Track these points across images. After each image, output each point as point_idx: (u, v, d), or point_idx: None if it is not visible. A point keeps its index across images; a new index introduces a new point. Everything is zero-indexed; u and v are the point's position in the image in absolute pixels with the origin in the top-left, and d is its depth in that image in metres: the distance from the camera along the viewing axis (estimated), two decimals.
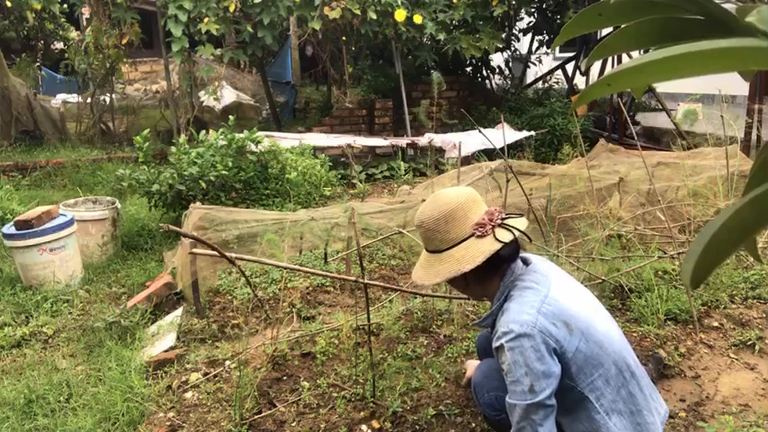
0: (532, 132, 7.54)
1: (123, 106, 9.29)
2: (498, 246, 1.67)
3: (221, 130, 5.40)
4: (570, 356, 1.58)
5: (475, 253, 1.68)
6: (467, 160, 6.71)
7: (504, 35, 8.58)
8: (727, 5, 0.47)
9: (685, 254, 0.47)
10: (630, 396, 1.67)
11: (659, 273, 3.38)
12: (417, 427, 2.27)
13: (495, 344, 1.61)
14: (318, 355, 2.81)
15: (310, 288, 3.64)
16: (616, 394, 1.64)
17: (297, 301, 3.41)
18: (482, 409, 1.98)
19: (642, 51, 0.54)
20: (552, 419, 1.57)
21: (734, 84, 6.49)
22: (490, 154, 6.76)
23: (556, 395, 1.58)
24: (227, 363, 2.78)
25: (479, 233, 1.70)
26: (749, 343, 2.76)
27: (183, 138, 5.44)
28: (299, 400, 2.49)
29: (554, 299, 1.62)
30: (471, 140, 6.88)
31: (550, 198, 3.88)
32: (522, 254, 1.82)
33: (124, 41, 7.44)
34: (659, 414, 1.73)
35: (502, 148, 3.78)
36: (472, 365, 2.30)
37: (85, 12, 8.92)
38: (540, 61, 10.59)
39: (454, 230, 1.72)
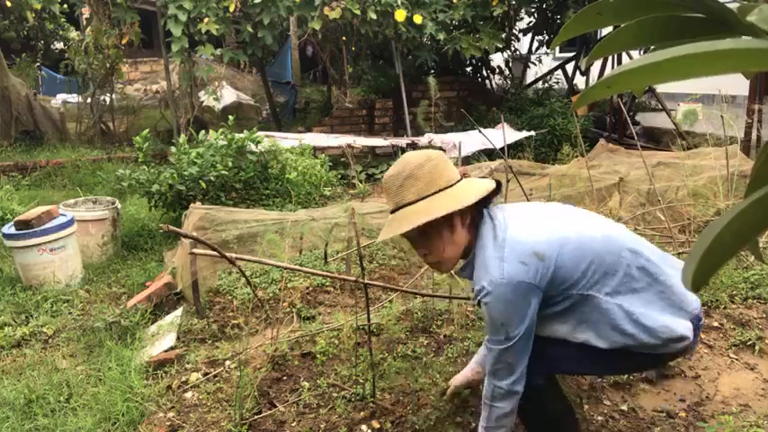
0: (532, 132, 7.54)
1: (123, 106, 9.29)
2: (494, 185, 1.69)
3: (221, 130, 5.40)
4: (554, 273, 1.61)
5: (474, 189, 1.67)
6: (467, 160, 6.71)
7: (504, 35, 8.57)
8: (729, 4, 0.47)
9: (687, 256, 0.46)
10: (640, 270, 1.66)
11: None
12: (417, 427, 2.27)
13: (474, 301, 1.68)
14: (318, 355, 2.81)
15: (310, 288, 3.63)
16: (622, 278, 1.64)
17: (297, 301, 3.41)
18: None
19: (643, 50, 0.54)
20: (525, 357, 1.67)
21: (734, 84, 6.50)
22: (490, 154, 6.76)
23: (561, 313, 1.67)
24: (227, 363, 2.78)
25: (468, 178, 1.72)
26: (749, 343, 2.76)
27: (182, 138, 5.44)
28: (299, 400, 2.49)
29: (513, 239, 1.63)
30: (471, 140, 6.88)
31: (550, 198, 3.88)
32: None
33: (124, 41, 7.45)
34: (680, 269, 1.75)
35: (502, 149, 3.78)
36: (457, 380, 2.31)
37: (85, 12, 8.92)
38: (540, 61, 10.58)
39: (445, 173, 1.69)
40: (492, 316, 1.62)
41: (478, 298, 1.64)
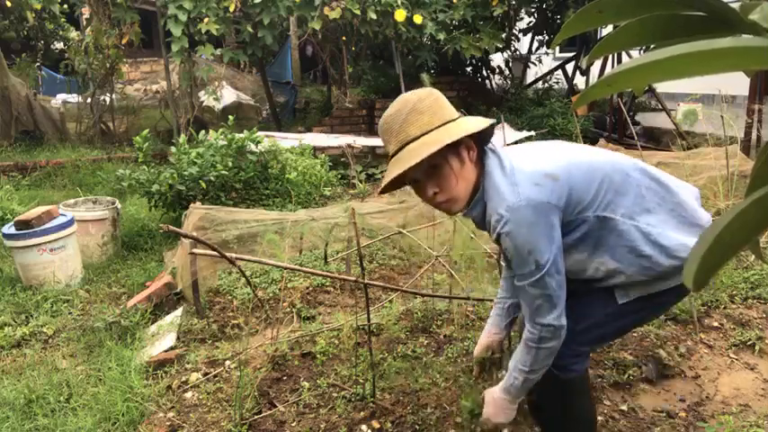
0: (532, 132, 7.54)
1: (123, 106, 9.29)
2: (492, 121, 1.65)
3: (221, 130, 5.40)
4: (569, 195, 1.56)
5: (478, 121, 1.61)
6: None
7: (504, 35, 8.57)
8: (730, 3, 0.47)
9: (687, 256, 0.46)
10: (650, 190, 1.65)
11: None
12: (417, 427, 2.27)
13: (494, 236, 1.60)
14: (318, 355, 2.81)
15: (310, 288, 3.63)
16: (634, 198, 1.61)
17: (297, 301, 3.41)
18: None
19: (643, 49, 0.54)
20: (563, 287, 1.59)
21: (734, 84, 6.50)
22: None
23: (578, 240, 1.62)
24: (227, 363, 2.78)
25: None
26: (749, 343, 2.76)
27: (182, 138, 5.44)
28: (299, 400, 2.49)
29: (522, 166, 1.59)
30: None
31: None
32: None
33: (124, 41, 7.45)
34: (687, 187, 1.74)
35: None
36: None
37: (85, 12, 8.92)
38: (540, 61, 10.59)
39: (446, 107, 1.62)
40: (517, 245, 1.54)
41: (498, 230, 1.55)
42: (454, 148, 1.57)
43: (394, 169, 1.58)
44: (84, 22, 9.79)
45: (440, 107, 1.61)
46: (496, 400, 1.76)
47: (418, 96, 1.61)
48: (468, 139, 1.60)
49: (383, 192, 1.71)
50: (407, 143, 1.58)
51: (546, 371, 1.71)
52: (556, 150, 1.70)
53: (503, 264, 2.05)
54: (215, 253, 2.02)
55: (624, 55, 5.80)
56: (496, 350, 2.01)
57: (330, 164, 6.41)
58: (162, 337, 3.06)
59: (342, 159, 6.89)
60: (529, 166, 1.59)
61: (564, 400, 1.78)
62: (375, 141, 7.47)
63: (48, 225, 3.79)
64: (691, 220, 1.66)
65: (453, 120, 1.61)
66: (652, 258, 1.59)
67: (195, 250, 2.32)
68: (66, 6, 9.71)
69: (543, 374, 1.73)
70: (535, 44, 10.30)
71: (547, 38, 9.99)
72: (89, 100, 8.76)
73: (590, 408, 1.87)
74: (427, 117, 1.58)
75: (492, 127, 1.67)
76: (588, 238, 1.62)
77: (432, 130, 1.57)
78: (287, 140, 6.56)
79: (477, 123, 1.59)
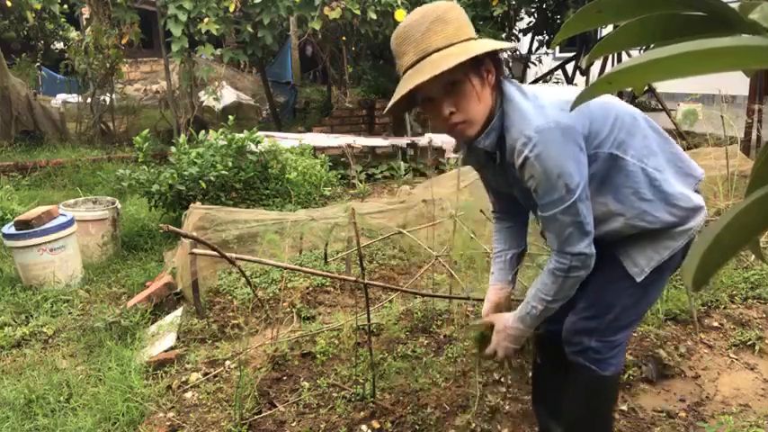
0: None
1: (123, 106, 9.29)
2: (514, 45, 1.62)
3: (221, 130, 5.40)
4: (590, 125, 1.54)
5: (499, 42, 1.53)
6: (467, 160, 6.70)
7: (504, 35, 8.57)
8: (730, 3, 0.47)
9: (687, 256, 0.46)
10: (654, 132, 1.66)
11: None
12: (417, 427, 2.27)
13: (519, 161, 1.49)
14: (318, 355, 2.81)
15: (310, 288, 3.63)
16: (641, 140, 1.60)
17: (297, 301, 3.41)
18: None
19: (643, 49, 0.54)
20: (591, 214, 1.54)
21: (734, 84, 6.50)
22: None
23: (589, 177, 1.57)
24: (227, 363, 2.78)
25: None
26: (749, 343, 2.76)
27: (183, 138, 5.44)
28: (299, 400, 2.49)
29: (542, 94, 1.56)
30: None
31: None
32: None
33: (124, 41, 7.45)
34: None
35: None
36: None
37: (85, 12, 8.93)
38: (540, 61, 10.58)
39: (470, 24, 1.53)
40: (546, 169, 1.46)
41: (525, 154, 1.46)
42: (476, 67, 1.48)
43: (412, 80, 1.44)
44: (84, 22, 9.80)
45: (466, 21, 1.51)
46: (508, 328, 1.71)
47: (444, 7, 1.49)
48: (489, 60, 1.52)
49: (389, 112, 1.60)
50: (429, 54, 1.46)
51: (582, 371, 1.71)
52: (569, 88, 1.69)
53: (494, 216, 1.97)
54: (215, 253, 2.02)
55: (624, 55, 5.80)
56: (504, 305, 1.88)
57: (330, 164, 6.41)
58: (162, 337, 3.06)
59: (342, 159, 6.89)
60: (549, 94, 1.55)
61: (597, 399, 1.78)
62: (375, 141, 7.47)
63: (48, 225, 3.79)
64: (686, 170, 1.67)
65: (475, 38, 1.52)
66: (652, 203, 1.59)
67: (195, 250, 2.32)
68: (66, 6, 9.71)
69: (580, 373, 1.72)
70: (535, 44, 10.30)
71: (547, 38, 9.99)
72: (89, 100, 8.76)
73: (612, 412, 1.88)
74: (452, 29, 1.47)
75: (507, 56, 1.65)
76: (596, 175, 1.59)
77: (456, 44, 1.46)
78: (287, 140, 6.56)
79: (500, 43, 1.52)
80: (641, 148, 1.60)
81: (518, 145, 1.48)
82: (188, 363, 2.82)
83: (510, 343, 1.73)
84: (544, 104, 1.50)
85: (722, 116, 4.04)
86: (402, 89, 1.47)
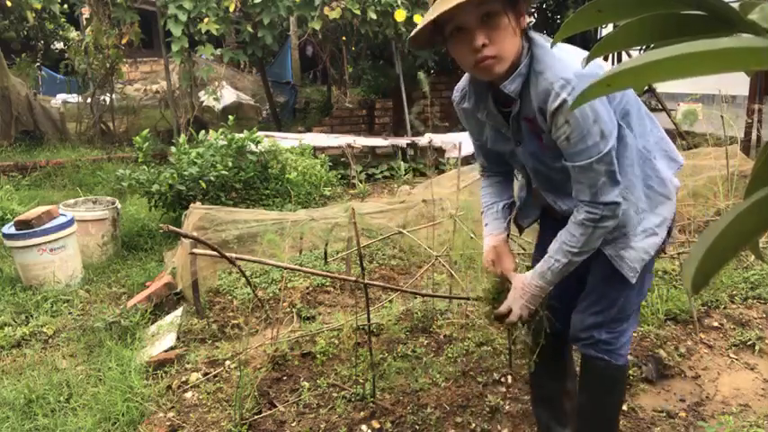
0: None
1: (123, 106, 9.29)
2: None
3: (221, 130, 5.40)
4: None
5: None
6: (467, 160, 6.70)
7: None
8: (730, 2, 0.47)
9: (686, 258, 0.46)
10: (646, 117, 1.67)
11: (659, 273, 3.38)
12: (417, 427, 2.27)
13: (554, 104, 1.45)
14: (318, 355, 2.81)
15: (310, 288, 3.63)
16: (636, 116, 1.62)
17: (297, 301, 3.41)
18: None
19: (643, 48, 0.54)
20: (616, 162, 1.53)
21: (734, 84, 6.50)
22: None
23: None
24: (227, 363, 2.78)
25: None
26: (749, 343, 2.76)
27: (183, 138, 5.44)
28: (299, 400, 2.49)
29: (565, 47, 1.55)
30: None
31: None
32: None
33: (124, 41, 7.45)
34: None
35: None
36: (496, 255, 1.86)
37: (85, 12, 8.92)
38: None
39: None
40: (583, 114, 1.44)
41: (563, 97, 1.44)
42: (513, 3, 1.46)
43: (446, 3, 1.36)
44: (84, 22, 9.78)
45: None
46: (527, 285, 1.68)
47: None
48: (524, 2, 1.51)
49: (413, 41, 1.53)
50: None
51: (596, 363, 1.75)
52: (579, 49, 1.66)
53: (481, 167, 1.95)
54: (215, 253, 2.02)
55: (624, 55, 5.79)
56: (504, 249, 1.83)
57: (330, 164, 6.41)
58: (162, 337, 3.06)
59: (342, 159, 6.89)
60: (572, 48, 1.56)
61: (612, 392, 1.82)
62: (375, 141, 7.47)
63: (48, 225, 3.79)
64: (671, 155, 1.71)
65: None
66: (636, 180, 1.61)
67: (195, 250, 2.32)
68: (66, 6, 9.70)
69: (593, 368, 1.77)
70: None
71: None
72: (89, 100, 8.76)
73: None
74: None
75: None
76: None
77: None
78: (287, 140, 6.56)
79: None
80: (638, 126, 1.63)
81: (555, 88, 1.45)
82: (188, 363, 2.82)
83: (527, 301, 1.68)
84: (579, 54, 1.51)
85: (722, 116, 4.03)
86: (435, 11, 1.39)
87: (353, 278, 2.39)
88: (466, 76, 1.72)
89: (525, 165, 1.74)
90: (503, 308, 1.71)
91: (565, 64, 1.47)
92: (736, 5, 0.45)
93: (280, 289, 3.52)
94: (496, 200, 1.91)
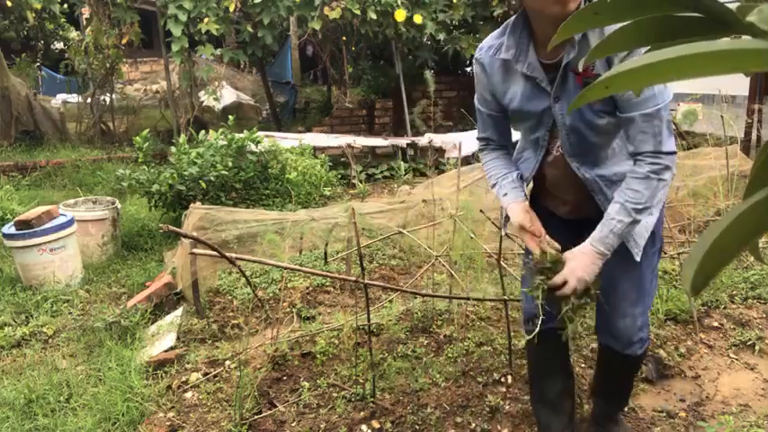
0: None
1: (123, 106, 9.29)
2: None
3: (221, 130, 5.40)
4: None
5: None
6: (467, 160, 6.71)
7: None
8: (728, 4, 0.47)
9: (685, 259, 0.46)
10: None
11: (659, 273, 3.37)
12: (417, 427, 2.27)
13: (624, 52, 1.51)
14: (318, 355, 2.81)
15: (310, 288, 3.64)
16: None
17: (297, 301, 3.41)
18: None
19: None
20: None
21: (734, 84, 6.50)
22: None
23: (615, 124, 1.62)
24: (227, 363, 2.78)
25: None
26: (749, 343, 2.76)
27: (183, 138, 5.44)
28: (299, 400, 2.49)
29: None
30: (471, 140, 6.87)
31: None
32: None
33: (124, 41, 7.44)
34: None
35: None
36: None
37: (85, 12, 8.92)
38: None
39: None
40: None
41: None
42: None
43: None
44: (84, 22, 9.79)
45: None
46: (586, 253, 1.61)
47: None
48: None
49: None
50: None
51: (630, 355, 1.83)
52: None
53: (487, 146, 1.95)
54: (215, 253, 2.02)
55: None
56: (534, 215, 1.77)
57: (330, 164, 6.41)
58: (162, 337, 3.06)
59: (342, 159, 6.89)
60: None
61: (636, 368, 1.99)
62: (375, 141, 7.47)
63: (48, 225, 3.79)
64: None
65: None
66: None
67: (195, 250, 2.32)
68: (66, 6, 9.70)
69: (622, 359, 1.85)
70: None
71: None
72: (89, 100, 8.75)
73: None
74: None
75: None
76: (617, 128, 1.65)
77: None
78: (287, 140, 6.56)
79: None
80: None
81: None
82: (188, 363, 2.83)
83: (585, 272, 1.60)
84: None
85: (722, 116, 4.03)
86: None
87: (353, 278, 2.39)
88: (496, 32, 1.72)
89: (559, 124, 1.68)
90: (557, 279, 1.62)
91: None
92: (733, 7, 0.45)
93: (280, 289, 3.52)
94: (510, 170, 1.88)
